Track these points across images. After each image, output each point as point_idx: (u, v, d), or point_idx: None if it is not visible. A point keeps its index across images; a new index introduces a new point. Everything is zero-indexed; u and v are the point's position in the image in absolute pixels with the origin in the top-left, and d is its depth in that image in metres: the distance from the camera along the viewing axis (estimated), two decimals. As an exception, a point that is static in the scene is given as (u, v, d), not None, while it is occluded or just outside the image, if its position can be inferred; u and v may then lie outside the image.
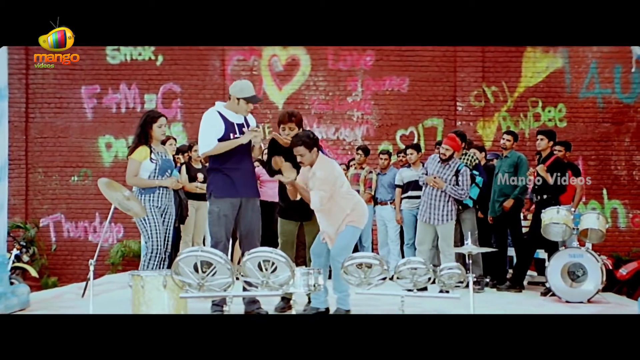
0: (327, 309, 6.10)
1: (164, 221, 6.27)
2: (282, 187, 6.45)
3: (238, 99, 6.01)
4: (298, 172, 6.17)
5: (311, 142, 5.95)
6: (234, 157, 5.96)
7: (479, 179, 8.34)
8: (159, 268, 6.06)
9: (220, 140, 5.93)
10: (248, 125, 6.08)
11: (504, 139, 8.79)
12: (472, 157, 8.51)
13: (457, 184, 7.83)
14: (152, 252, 6.16)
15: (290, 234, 6.48)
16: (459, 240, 8.16)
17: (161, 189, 6.26)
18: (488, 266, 8.59)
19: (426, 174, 8.07)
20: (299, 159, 5.99)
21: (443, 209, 7.84)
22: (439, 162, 8.02)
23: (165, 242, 6.30)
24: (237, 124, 6.01)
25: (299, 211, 6.34)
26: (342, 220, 5.95)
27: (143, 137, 6.23)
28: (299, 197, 6.12)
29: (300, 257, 6.70)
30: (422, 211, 8.04)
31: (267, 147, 6.65)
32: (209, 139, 5.96)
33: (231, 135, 5.95)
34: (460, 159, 8.42)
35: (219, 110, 6.05)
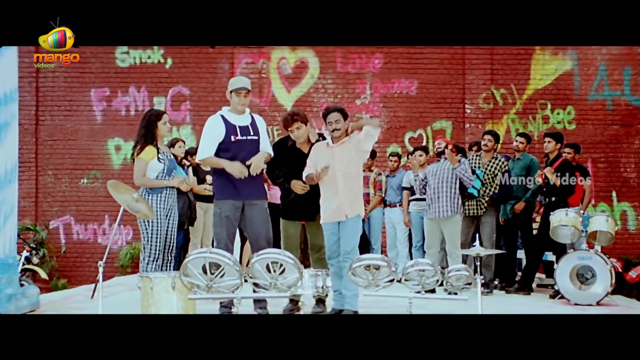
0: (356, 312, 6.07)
1: (168, 222, 6.26)
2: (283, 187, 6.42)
3: (230, 93, 6.00)
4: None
5: (346, 113, 6.05)
6: (235, 159, 5.89)
7: (478, 172, 8.33)
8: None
9: (221, 143, 5.90)
10: (255, 128, 6.02)
11: (516, 141, 8.76)
12: (502, 162, 8.47)
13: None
14: (149, 257, 6.12)
15: (294, 237, 6.42)
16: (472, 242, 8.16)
17: (168, 189, 6.26)
18: (497, 268, 8.58)
19: (424, 179, 8.11)
20: (334, 125, 5.99)
21: (447, 200, 7.82)
22: (437, 161, 8.08)
23: (170, 245, 6.30)
24: (240, 126, 5.94)
25: (302, 210, 6.29)
26: (352, 203, 5.96)
27: (149, 137, 6.20)
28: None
29: (306, 260, 6.68)
30: (427, 209, 8.07)
31: (273, 149, 6.55)
32: (205, 145, 5.96)
33: (232, 137, 5.89)
34: (490, 161, 8.42)
35: (222, 114, 6.02)
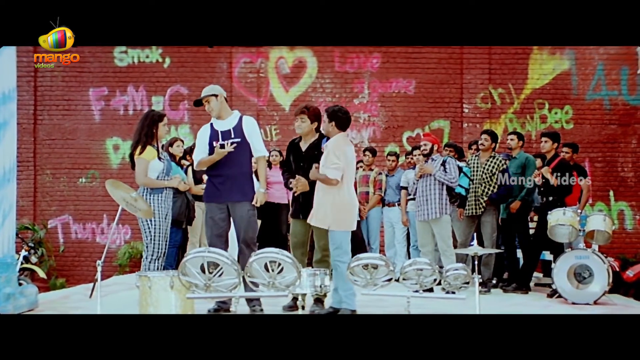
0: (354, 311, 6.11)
1: (166, 221, 6.26)
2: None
3: None
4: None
5: (321, 115, 6.19)
6: (217, 164, 6.10)
7: (466, 169, 8.33)
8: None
9: (209, 149, 6.15)
10: (239, 131, 6.12)
11: (508, 139, 8.77)
12: (500, 161, 8.47)
13: (445, 172, 7.87)
14: (152, 255, 6.14)
15: (301, 234, 6.47)
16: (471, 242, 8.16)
17: (167, 189, 6.29)
18: (501, 269, 8.60)
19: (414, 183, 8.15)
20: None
21: (434, 202, 7.86)
22: (424, 161, 8.10)
23: (167, 243, 6.31)
24: (222, 131, 6.14)
25: (303, 208, 6.33)
26: (331, 212, 5.96)
27: (150, 137, 6.22)
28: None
29: (308, 259, 6.68)
30: (417, 211, 8.10)
31: (286, 150, 6.72)
32: (197, 155, 6.29)
33: (214, 142, 6.12)
34: (488, 160, 8.40)
35: (212, 121, 6.26)
